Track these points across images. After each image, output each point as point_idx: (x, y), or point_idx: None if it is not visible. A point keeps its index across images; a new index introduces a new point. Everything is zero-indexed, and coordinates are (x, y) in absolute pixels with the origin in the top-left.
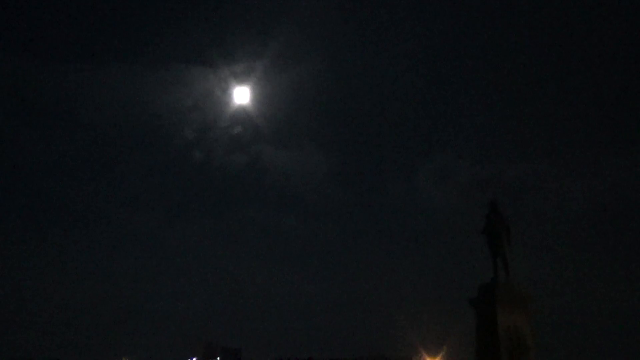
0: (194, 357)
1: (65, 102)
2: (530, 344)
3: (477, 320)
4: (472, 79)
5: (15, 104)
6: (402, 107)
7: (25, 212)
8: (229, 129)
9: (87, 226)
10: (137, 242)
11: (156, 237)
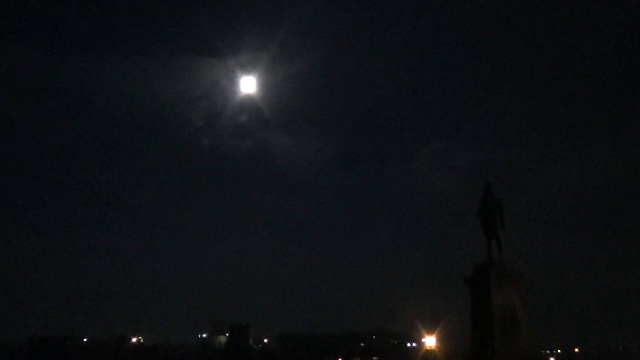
0: (203, 333)
1: (80, 92)
2: (523, 319)
3: (472, 297)
4: (466, 69)
5: (34, 94)
6: (401, 95)
7: (43, 193)
8: (236, 117)
9: (101, 207)
10: (148, 223)
11: (166, 218)
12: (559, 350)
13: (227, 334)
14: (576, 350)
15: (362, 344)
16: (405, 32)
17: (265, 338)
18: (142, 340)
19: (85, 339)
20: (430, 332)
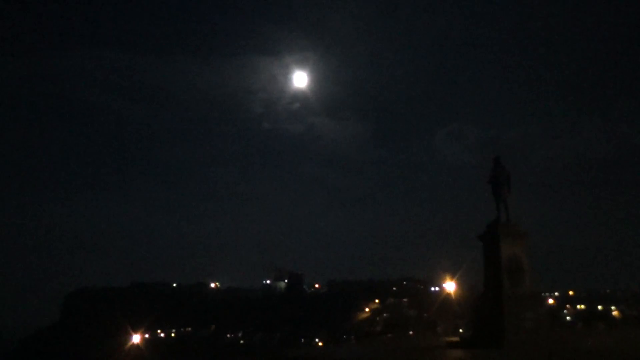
0: (267, 280)
1: (164, 86)
2: (526, 268)
3: (484, 250)
4: (477, 61)
5: (126, 87)
6: (424, 83)
7: (139, 169)
8: (289, 105)
9: (182, 179)
10: (218, 193)
11: (235, 187)
12: (556, 293)
13: (285, 280)
14: (570, 292)
15: (394, 288)
16: (430, 32)
17: (316, 284)
18: (218, 285)
19: (174, 284)
20: (450, 278)
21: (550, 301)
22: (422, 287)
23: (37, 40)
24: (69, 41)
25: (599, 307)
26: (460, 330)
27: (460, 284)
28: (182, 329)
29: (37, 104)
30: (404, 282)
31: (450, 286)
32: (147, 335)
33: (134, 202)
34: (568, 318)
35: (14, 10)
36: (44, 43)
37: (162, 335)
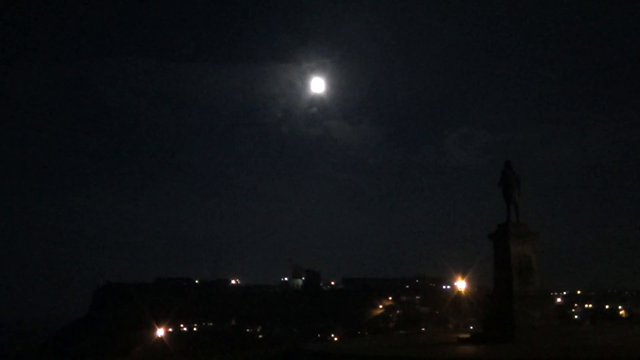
0: (285, 277)
1: (189, 91)
2: (535, 267)
3: (495, 250)
4: (486, 67)
5: (154, 92)
6: (435, 88)
7: (159, 171)
8: (307, 110)
9: (206, 179)
10: (239, 194)
11: (256, 187)
12: (564, 292)
13: (303, 277)
14: (578, 292)
15: (407, 286)
16: (438, 40)
17: (333, 281)
18: (239, 282)
19: (197, 280)
20: (461, 277)
21: (559, 300)
22: (434, 285)
23: (71, 47)
24: (101, 48)
25: (606, 306)
26: (471, 327)
27: (471, 282)
28: (203, 323)
29: (71, 107)
30: (417, 280)
31: (461, 284)
32: (170, 329)
33: (160, 203)
34: (576, 316)
35: (44, 18)
36: (77, 49)
37: (185, 329)
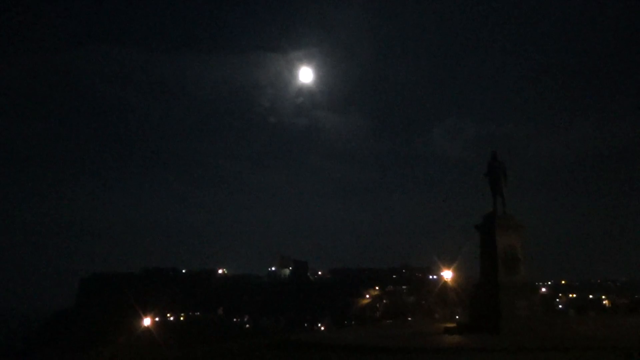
0: (272, 267)
1: (175, 81)
2: (521, 258)
3: (481, 240)
4: (473, 60)
5: (138, 82)
6: (423, 79)
7: (145, 161)
8: (295, 100)
9: (192, 169)
10: (226, 183)
11: (242, 177)
12: (549, 282)
13: (290, 268)
14: (563, 282)
15: (394, 276)
16: (430, 29)
17: (320, 271)
18: (226, 272)
19: (184, 270)
20: (447, 267)
21: (544, 290)
22: (420, 275)
23: (52, 37)
24: (83, 38)
25: (590, 296)
26: (457, 317)
27: (457, 272)
28: (190, 313)
29: (54, 98)
30: (404, 271)
31: (447, 274)
32: (157, 319)
33: (147, 193)
34: (560, 306)
35: (29, 7)
36: (58, 39)
37: (172, 318)
